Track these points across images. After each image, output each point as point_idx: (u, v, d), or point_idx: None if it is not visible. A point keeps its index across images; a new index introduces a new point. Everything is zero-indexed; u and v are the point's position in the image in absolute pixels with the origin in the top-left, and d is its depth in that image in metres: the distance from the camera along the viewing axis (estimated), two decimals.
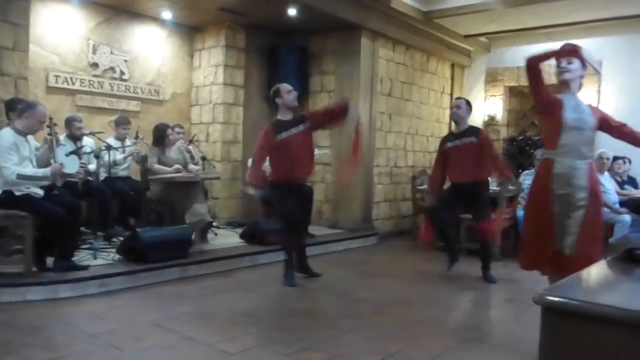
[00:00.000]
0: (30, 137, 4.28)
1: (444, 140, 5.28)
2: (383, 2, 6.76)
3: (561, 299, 1.25)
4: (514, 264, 4.08)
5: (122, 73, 6.66)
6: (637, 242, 1.69)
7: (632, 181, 6.79)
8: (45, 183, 4.20)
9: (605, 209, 5.68)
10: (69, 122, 5.45)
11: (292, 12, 6.42)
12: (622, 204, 6.08)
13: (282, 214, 4.71)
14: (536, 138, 7.88)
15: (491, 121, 8.64)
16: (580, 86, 3.42)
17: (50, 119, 4.38)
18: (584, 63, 3.37)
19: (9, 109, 4.61)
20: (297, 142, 4.63)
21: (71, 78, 6.19)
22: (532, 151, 7.47)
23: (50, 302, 3.84)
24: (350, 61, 7.09)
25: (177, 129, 6.19)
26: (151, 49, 7.01)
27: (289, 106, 4.71)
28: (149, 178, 5.59)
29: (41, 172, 4.12)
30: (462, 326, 3.80)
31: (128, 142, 5.99)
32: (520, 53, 3.49)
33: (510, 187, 6.22)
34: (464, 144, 4.97)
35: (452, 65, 9.00)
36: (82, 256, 4.61)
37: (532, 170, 6.22)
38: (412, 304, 4.31)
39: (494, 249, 5.64)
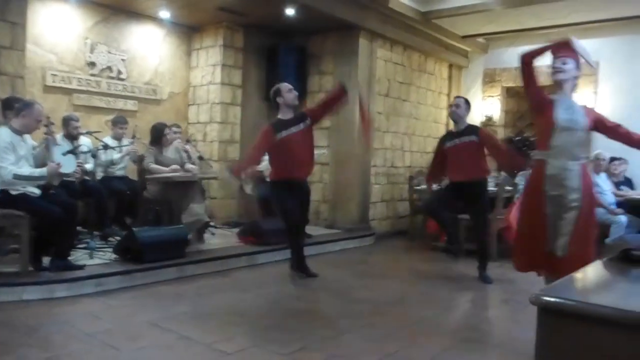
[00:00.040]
0: (27, 136, 4.26)
1: (443, 139, 5.28)
2: (381, 2, 6.76)
3: (557, 300, 1.26)
4: (510, 264, 4.08)
5: (119, 72, 6.65)
6: (633, 243, 1.69)
7: (628, 182, 6.81)
8: (42, 183, 4.19)
9: (602, 210, 5.72)
10: (66, 122, 5.43)
11: (290, 12, 6.43)
12: (619, 204, 6.10)
13: (283, 213, 4.72)
14: (533, 139, 7.88)
15: (488, 122, 8.65)
16: (575, 87, 3.42)
17: (47, 118, 4.37)
18: (578, 64, 3.37)
19: (5, 107, 4.58)
20: (297, 141, 4.65)
21: (68, 77, 6.18)
22: (529, 152, 7.48)
23: (47, 302, 3.83)
24: (349, 61, 7.10)
25: (174, 129, 6.18)
26: (149, 49, 7.00)
27: (290, 105, 4.73)
28: (146, 177, 5.58)
29: (37, 172, 4.11)
30: (459, 326, 3.81)
31: (125, 141, 5.98)
32: (518, 54, 3.48)
33: (508, 188, 6.23)
34: (463, 143, 4.95)
35: (450, 66, 9.01)
36: (78, 256, 4.60)
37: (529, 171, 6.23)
38: (410, 304, 4.31)
39: (491, 249, 5.64)
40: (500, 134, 8.63)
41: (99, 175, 5.76)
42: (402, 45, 7.81)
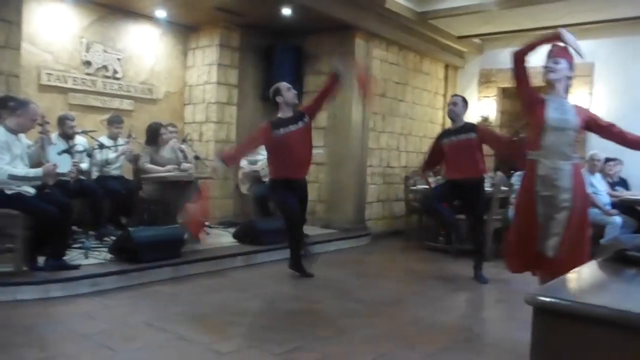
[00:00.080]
0: (22, 135, 4.25)
1: (440, 136, 5.28)
2: (377, 2, 6.76)
3: (553, 300, 1.26)
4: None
5: (115, 72, 6.63)
6: (628, 244, 1.70)
7: (623, 182, 6.83)
8: (37, 183, 4.17)
9: (597, 210, 5.74)
10: (62, 121, 5.41)
11: (287, 12, 6.42)
12: (614, 205, 6.12)
13: (284, 212, 4.73)
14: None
15: (484, 122, 8.66)
16: (567, 87, 3.41)
17: (42, 117, 4.36)
18: (572, 64, 3.37)
19: (0, 106, 4.57)
20: (296, 139, 4.68)
21: (64, 76, 6.15)
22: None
23: (41, 302, 3.81)
24: (345, 61, 7.08)
25: (170, 128, 6.17)
26: (145, 48, 6.98)
27: (289, 104, 4.77)
28: (142, 177, 5.57)
29: (33, 172, 4.09)
30: (455, 326, 3.81)
31: (121, 141, 5.96)
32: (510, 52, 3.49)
33: (503, 188, 6.25)
34: (461, 140, 4.93)
35: (446, 66, 9.03)
36: (73, 255, 4.58)
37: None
38: (406, 304, 4.31)
39: (487, 249, 5.65)
40: None
41: (95, 174, 5.73)
42: (398, 46, 7.82)
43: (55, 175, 4.25)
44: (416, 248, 6.75)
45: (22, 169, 4.07)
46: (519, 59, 3.33)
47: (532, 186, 3.35)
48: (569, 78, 3.40)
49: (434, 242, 6.75)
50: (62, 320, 3.47)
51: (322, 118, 6.94)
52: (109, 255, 4.71)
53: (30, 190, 4.14)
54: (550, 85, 3.37)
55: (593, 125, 3.41)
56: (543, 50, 3.41)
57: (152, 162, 5.63)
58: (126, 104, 6.76)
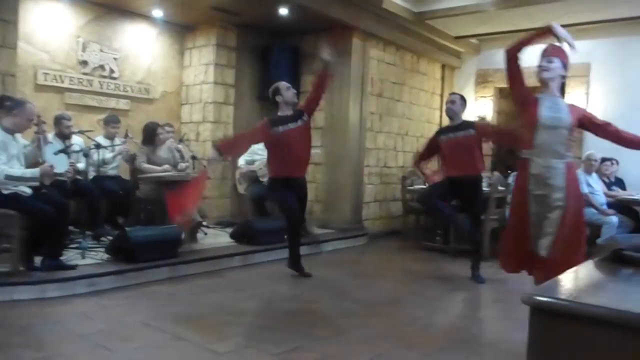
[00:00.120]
0: (18, 135, 4.23)
1: (438, 132, 5.28)
2: (375, 2, 6.77)
3: (550, 299, 1.26)
4: None
5: (111, 71, 6.61)
6: (625, 243, 1.70)
7: (619, 182, 6.84)
8: (34, 183, 4.16)
9: (593, 210, 5.75)
10: (58, 121, 5.40)
11: (284, 12, 6.42)
12: (610, 205, 6.13)
13: (284, 210, 4.73)
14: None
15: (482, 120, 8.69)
16: (561, 86, 3.42)
17: (39, 117, 4.34)
18: (566, 63, 3.38)
19: None
20: (295, 137, 4.68)
21: (60, 76, 6.14)
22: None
23: (38, 302, 3.80)
24: (342, 61, 7.09)
25: (167, 128, 6.16)
26: (141, 47, 6.96)
27: (289, 103, 4.78)
28: (139, 177, 5.56)
29: (29, 172, 4.08)
30: (452, 326, 3.82)
31: (117, 140, 5.95)
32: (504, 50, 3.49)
33: (500, 188, 6.26)
34: (459, 137, 4.93)
35: (443, 67, 9.04)
36: (70, 255, 4.57)
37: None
38: (403, 304, 4.32)
39: (484, 249, 5.66)
40: None
41: (91, 174, 5.72)
42: (395, 46, 7.82)
43: (53, 176, 4.24)
44: (413, 248, 6.76)
45: (18, 169, 4.06)
46: (512, 56, 3.33)
47: (525, 185, 3.35)
48: (563, 77, 3.41)
49: (431, 242, 6.75)
50: (59, 321, 3.47)
51: (319, 118, 6.94)
52: (106, 255, 4.70)
53: (27, 190, 4.13)
54: (543, 84, 3.38)
55: (588, 123, 3.41)
56: (537, 50, 3.42)
57: (149, 162, 5.61)
58: (123, 104, 6.74)
